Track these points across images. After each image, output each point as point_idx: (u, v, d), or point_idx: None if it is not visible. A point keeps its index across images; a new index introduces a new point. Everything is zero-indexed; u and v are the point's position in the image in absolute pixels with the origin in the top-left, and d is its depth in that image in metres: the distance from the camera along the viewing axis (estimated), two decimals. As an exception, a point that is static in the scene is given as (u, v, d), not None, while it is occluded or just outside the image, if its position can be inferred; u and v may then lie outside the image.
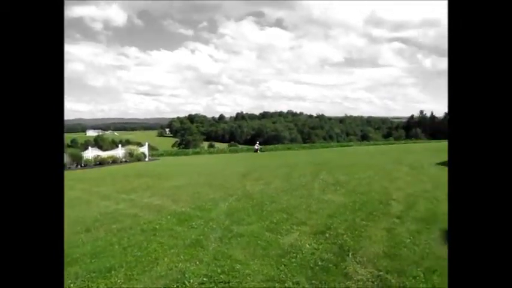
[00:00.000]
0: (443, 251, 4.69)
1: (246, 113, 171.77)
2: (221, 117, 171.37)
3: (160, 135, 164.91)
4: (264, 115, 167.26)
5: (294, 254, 4.77)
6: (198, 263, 4.60)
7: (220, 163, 21.52)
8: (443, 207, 6.92)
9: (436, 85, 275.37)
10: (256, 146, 35.88)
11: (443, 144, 31.48)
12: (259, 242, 5.30)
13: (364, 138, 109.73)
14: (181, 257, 4.81)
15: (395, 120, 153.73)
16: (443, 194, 8.13)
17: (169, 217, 6.96)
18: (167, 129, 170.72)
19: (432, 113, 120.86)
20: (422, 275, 4.06)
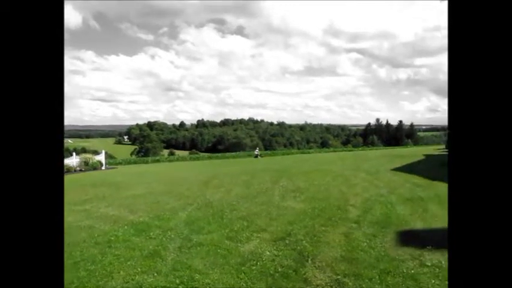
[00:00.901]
0: (396, 252, 4.89)
1: (207, 120, 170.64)
2: (182, 124, 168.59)
3: (119, 142, 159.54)
4: (225, 122, 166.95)
5: (254, 262, 4.77)
6: (156, 274, 4.47)
7: (180, 171, 21.16)
8: (397, 210, 7.22)
9: (390, 94, 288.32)
10: (256, 152, 38.14)
11: (398, 151, 32.98)
12: (219, 250, 5.24)
13: (324, 145, 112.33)
14: (139, 269, 4.66)
15: (353, 127, 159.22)
16: (397, 198, 8.49)
17: (126, 228, 6.72)
18: (125, 137, 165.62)
19: (387, 121, 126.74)
20: (377, 277, 4.20)
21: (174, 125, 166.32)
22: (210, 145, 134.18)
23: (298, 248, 5.23)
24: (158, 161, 36.89)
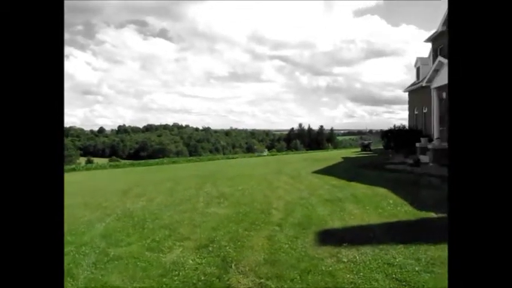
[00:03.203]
0: (316, 251, 5.10)
1: (129, 126, 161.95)
2: (101, 130, 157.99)
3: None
4: (149, 128, 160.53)
5: (176, 272, 4.62)
6: (66, 294, 4.10)
7: (99, 180, 19.84)
8: (317, 211, 7.56)
9: (311, 101, 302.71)
10: (265, 153, 41.82)
11: (319, 154, 34.70)
12: (139, 263, 4.99)
13: (249, 150, 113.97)
14: (46, 290, 4.22)
15: (277, 132, 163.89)
16: (317, 199, 8.89)
17: (32, 245, 6.07)
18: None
19: (309, 126, 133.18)
20: (298, 277, 4.34)
21: (92, 131, 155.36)
22: (132, 152, 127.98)
23: (222, 254, 5.19)
24: (74, 169, 34.09)
